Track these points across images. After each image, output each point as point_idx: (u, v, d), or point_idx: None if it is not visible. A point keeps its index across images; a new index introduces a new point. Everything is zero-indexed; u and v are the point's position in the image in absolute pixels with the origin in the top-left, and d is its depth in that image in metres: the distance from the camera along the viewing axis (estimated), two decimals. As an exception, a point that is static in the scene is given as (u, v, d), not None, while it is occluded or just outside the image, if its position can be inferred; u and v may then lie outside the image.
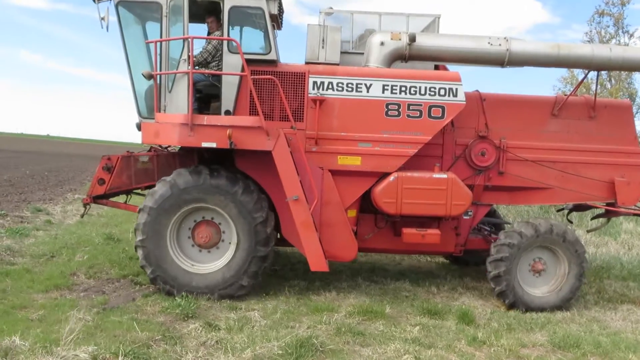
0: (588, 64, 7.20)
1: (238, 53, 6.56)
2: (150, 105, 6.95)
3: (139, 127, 7.09)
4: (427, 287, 7.83)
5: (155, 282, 6.58)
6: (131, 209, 7.90)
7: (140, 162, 7.43)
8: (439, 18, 7.59)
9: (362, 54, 7.52)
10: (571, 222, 7.97)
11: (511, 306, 6.96)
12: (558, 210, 9.61)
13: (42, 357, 4.38)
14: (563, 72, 25.60)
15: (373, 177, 6.99)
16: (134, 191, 7.89)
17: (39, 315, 5.52)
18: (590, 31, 23.15)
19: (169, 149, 7.90)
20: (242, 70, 6.45)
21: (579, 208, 8.63)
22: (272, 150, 6.31)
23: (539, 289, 7.09)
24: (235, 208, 6.49)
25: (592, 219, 9.60)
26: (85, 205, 7.62)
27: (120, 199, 8.04)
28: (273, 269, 8.22)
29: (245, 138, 6.27)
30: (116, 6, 6.65)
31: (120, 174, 7.38)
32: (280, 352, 4.88)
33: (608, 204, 7.79)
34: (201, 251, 6.76)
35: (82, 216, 8.33)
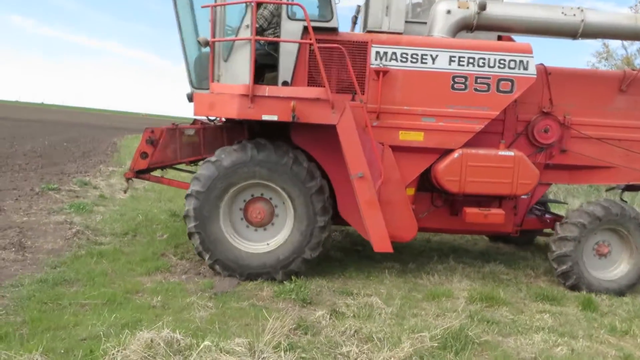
0: (668, 36, 6.79)
1: (298, 20, 6.16)
2: (202, 75, 6.55)
3: (190, 98, 6.70)
4: (523, 269, 7.51)
5: (215, 268, 6.29)
6: (174, 184, 7.59)
7: (186, 135, 7.07)
8: (503, -15, 7.11)
9: (421, 22, 7.10)
10: (625, 202, 7.64)
11: (572, 288, 6.70)
12: (608, 190, 9.27)
13: (216, 354, 3.99)
14: (597, 46, 24.83)
15: (435, 154, 6.64)
16: (174, 166, 7.55)
17: (158, 301, 5.26)
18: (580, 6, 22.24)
19: (215, 121, 7.51)
20: (304, 38, 6.04)
21: (632, 188, 8.33)
22: (337, 125, 5.94)
23: (602, 273, 6.83)
24: (287, 180, 6.16)
25: None
26: (127, 179, 7.28)
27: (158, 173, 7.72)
28: (356, 249, 8.00)
29: (308, 111, 5.89)
30: None
31: (165, 147, 7.03)
32: (436, 344, 4.56)
33: None
34: (257, 230, 6.45)
35: (125, 191, 8.00)
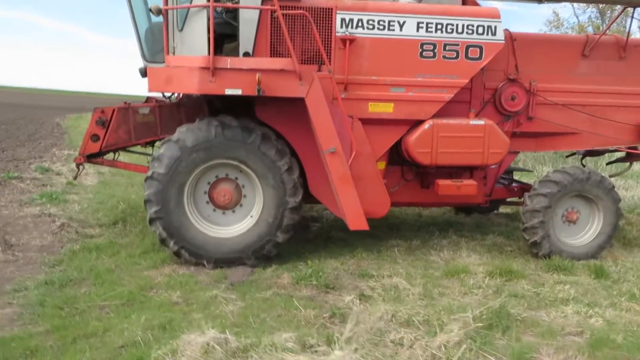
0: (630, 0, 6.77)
1: None
2: (155, 47, 6.05)
3: (143, 72, 6.18)
4: (521, 240, 7.28)
5: (180, 255, 5.88)
6: (130, 168, 7.10)
7: (140, 114, 6.56)
8: (466, -52, 6.88)
9: None
10: (586, 167, 7.73)
11: (545, 256, 6.70)
12: (568, 156, 9.39)
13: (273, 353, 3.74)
14: (549, 15, 25.23)
15: (405, 126, 6.42)
16: (128, 148, 7.02)
17: (178, 297, 4.94)
18: None
19: (171, 98, 7.01)
20: (265, 4, 5.64)
21: (592, 153, 8.44)
22: (306, 97, 5.60)
23: (573, 239, 6.87)
24: (256, 159, 5.81)
25: (609, 163, 9.47)
26: (78, 165, 6.73)
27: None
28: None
29: (274, 83, 5.51)
30: None
31: (117, 128, 6.51)
32: (480, 324, 4.39)
33: (630, 148, 7.60)
34: (225, 213, 6.09)
35: (74, 178, 7.40)
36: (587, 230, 6.88)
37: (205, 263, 5.86)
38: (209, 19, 5.43)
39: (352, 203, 5.82)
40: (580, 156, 8.66)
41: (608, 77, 7.20)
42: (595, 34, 7.37)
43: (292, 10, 5.67)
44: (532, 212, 6.60)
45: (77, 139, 16.68)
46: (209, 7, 5.38)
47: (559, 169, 6.94)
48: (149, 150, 7.31)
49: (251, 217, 6.05)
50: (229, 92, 5.47)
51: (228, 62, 5.46)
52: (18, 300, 4.70)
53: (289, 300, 4.91)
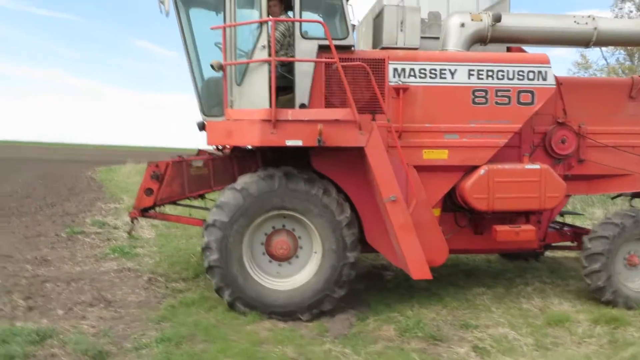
0: (677, 41, 6.81)
1: (312, 38, 5.86)
2: (211, 101, 6.14)
3: (201, 126, 6.26)
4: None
5: (234, 306, 5.77)
6: (182, 221, 7.08)
7: (194, 167, 6.59)
8: (509, -1, 7.05)
9: (429, 38, 6.90)
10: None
11: (608, 302, 6.47)
12: (614, 197, 9.24)
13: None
14: (576, 57, 25.31)
15: (460, 172, 6.38)
16: (177, 202, 7.02)
17: (294, 353, 4.90)
18: (616, 16, 22.98)
19: (224, 150, 7.06)
20: (319, 57, 5.76)
21: (640, 194, 8.30)
22: (365, 147, 5.60)
23: (635, 283, 6.66)
24: (317, 212, 5.76)
25: None
26: (132, 219, 6.71)
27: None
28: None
29: (334, 133, 5.53)
30: None
31: (171, 182, 6.53)
32: None
33: None
34: (281, 265, 6.00)
35: (129, 233, 7.39)
36: None
37: (226, 295, 5.73)
38: (269, 73, 5.51)
39: (414, 252, 5.71)
40: (629, 197, 8.52)
41: None
42: (640, 76, 7.38)
43: (350, 62, 5.76)
44: (593, 256, 6.43)
45: (116, 192, 17.03)
46: (270, 61, 5.47)
47: (619, 212, 6.80)
48: (199, 202, 7.31)
49: (308, 270, 5.95)
50: (289, 143, 5.50)
51: (289, 114, 5.52)
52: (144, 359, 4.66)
53: (403, 353, 4.88)
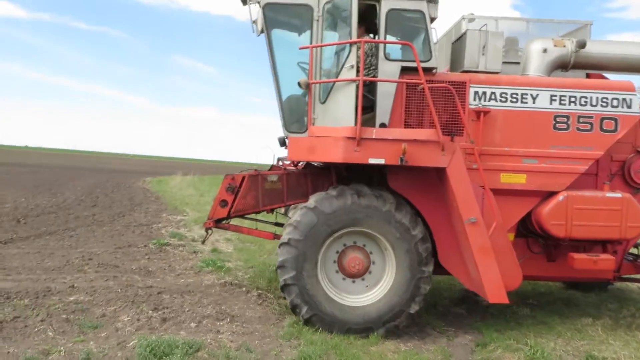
0: None
1: (394, 60, 5.97)
2: (292, 118, 6.29)
3: (282, 142, 6.41)
4: None
5: (311, 323, 5.84)
6: (254, 234, 7.20)
7: (269, 181, 6.72)
8: (590, 25, 6.98)
9: (508, 62, 6.90)
10: None
11: None
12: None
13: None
14: None
15: (537, 197, 6.30)
16: (246, 215, 7.16)
17: None
18: None
19: (298, 166, 7.19)
20: (401, 78, 5.85)
21: None
22: (447, 167, 5.62)
23: None
24: (391, 228, 5.80)
25: None
26: (207, 229, 6.89)
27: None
28: (530, 303, 7.76)
29: (417, 153, 5.57)
30: (263, 9, 6.01)
31: (246, 195, 6.68)
32: None
33: None
34: (354, 282, 6.04)
35: (203, 242, 7.59)
36: None
37: (335, 331, 5.77)
38: (356, 92, 5.62)
39: (492, 275, 5.65)
40: None
41: None
42: None
43: (433, 84, 5.82)
44: None
45: (175, 203, 17.49)
46: (357, 81, 5.58)
47: None
48: (267, 217, 7.44)
49: (383, 285, 5.97)
50: (372, 161, 5.56)
51: (374, 132, 5.59)
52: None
53: None
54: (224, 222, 6.94)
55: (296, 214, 5.93)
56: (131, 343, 5.06)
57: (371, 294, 5.97)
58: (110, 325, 5.61)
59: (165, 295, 6.76)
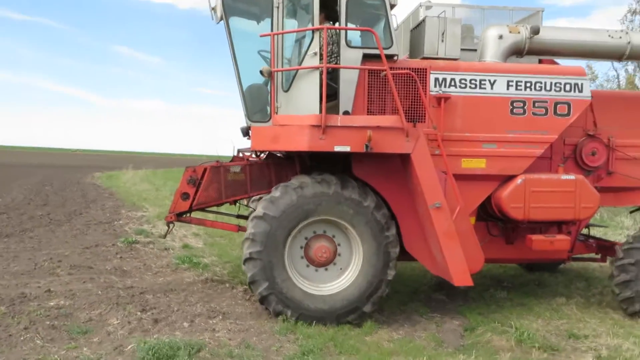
0: None
1: (356, 47, 5.96)
2: (254, 108, 6.18)
3: (245, 132, 6.29)
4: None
5: (266, 302, 5.79)
6: (218, 226, 7.07)
7: (232, 172, 6.61)
8: (542, 12, 7.19)
9: (465, 50, 7.01)
10: None
11: (634, 314, 6.57)
12: (632, 212, 9.38)
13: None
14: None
15: (496, 181, 6.46)
16: (207, 208, 7.02)
17: None
18: (625, 29, 23.30)
19: (261, 156, 7.08)
20: (361, 65, 5.86)
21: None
22: (412, 153, 5.67)
23: None
24: (365, 224, 5.81)
25: None
26: (168, 223, 6.71)
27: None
28: (505, 286, 7.96)
29: (382, 140, 5.59)
30: None
31: (208, 187, 6.55)
32: None
33: None
34: (327, 269, 6.03)
35: (165, 236, 7.37)
36: None
37: (288, 314, 5.75)
38: (319, 80, 5.57)
39: (457, 259, 5.76)
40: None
41: None
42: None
43: (399, 70, 5.84)
44: (626, 267, 6.51)
45: (132, 199, 16.92)
46: (321, 68, 5.53)
47: None
48: (229, 209, 7.32)
49: (344, 280, 5.98)
50: (338, 149, 5.55)
51: (339, 120, 5.57)
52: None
53: None
54: (185, 215, 6.78)
55: (275, 191, 5.81)
56: (129, 347, 4.87)
57: (347, 275, 5.98)
58: (100, 329, 5.38)
59: (148, 296, 6.56)
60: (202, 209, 6.84)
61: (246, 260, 5.75)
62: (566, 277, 8.81)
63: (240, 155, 7.47)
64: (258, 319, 5.96)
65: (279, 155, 6.98)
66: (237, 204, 7.23)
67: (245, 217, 7.64)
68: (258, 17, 6.32)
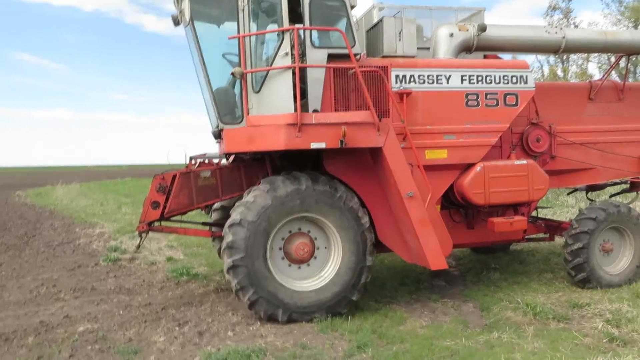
0: (629, 48, 7.74)
1: (321, 47, 6.15)
2: (225, 110, 6.20)
3: (217, 134, 6.27)
4: None
5: (255, 306, 5.84)
6: (190, 233, 6.99)
7: (202, 177, 6.57)
8: (483, 11, 7.71)
9: (420, 48, 7.38)
10: (592, 201, 8.48)
11: (582, 281, 7.16)
12: (569, 193, 10.18)
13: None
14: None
15: (457, 170, 6.85)
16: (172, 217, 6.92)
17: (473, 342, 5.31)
18: (547, 24, 24.92)
19: (229, 160, 7.08)
20: (327, 62, 6.06)
21: (594, 188, 9.22)
22: (383, 146, 5.92)
23: (610, 267, 7.38)
24: (340, 215, 5.98)
25: (613, 195, 10.30)
26: (140, 234, 6.55)
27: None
28: (494, 268, 8.50)
29: (355, 135, 5.81)
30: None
31: (178, 194, 6.48)
32: None
33: (634, 178, 8.42)
34: (300, 267, 6.13)
35: (137, 247, 7.14)
36: (622, 259, 7.44)
37: (279, 315, 5.82)
38: (292, 79, 5.70)
39: (432, 244, 6.06)
40: (584, 191, 9.43)
41: (611, 116, 8.08)
42: (597, 80, 8.29)
43: (366, 68, 6.08)
44: (577, 250, 7.05)
45: (79, 215, 16.15)
46: (293, 68, 5.67)
47: (593, 206, 7.44)
48: (199, 216, 7.25)
49: (327, 272, 6.12)
50: (314, 145, 5.69)
51: (313, 117, 5.72)
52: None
53: (569, 333, 5.45)
54: (156, 224, 6.66)
55: (248, 196, 5.85)
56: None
57: (329, 267, 6.14)
58: (148, 347, 5.28)
59: (172, 310, 6.47)
60: (167, 219, 6.72)
61: (230, 269, 5.76)
62: (541, 255, 9.49)
63: (193, 162, 7.34)
64: (294, 321, 5.97)
65: (246, 157, 7.02)
66: (208, 208, 7.17)
67: (210, 224, 7.59)
68: (223, 20, 6.36)
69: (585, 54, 15.81)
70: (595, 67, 22.77)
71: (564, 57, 21.77)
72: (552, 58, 23.13)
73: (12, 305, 6.83)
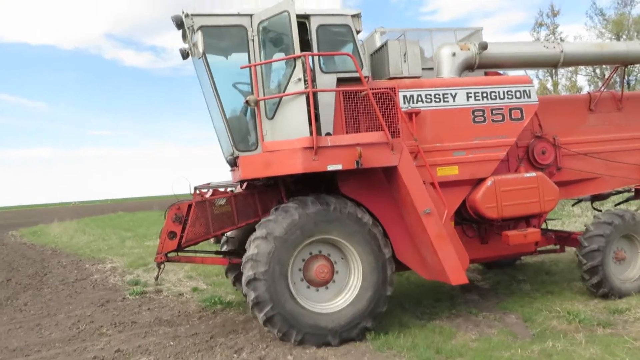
0: (624, 59, 7.96)
1: (330, 72, 6.30)
2: (238, 137, 6.28)
3: (232, 162, 6.33)
4: None
5: (270, 323, 5.81)
6: (208, 262, 6.98)
7: (217, 205, 6.61)
8: (481, 30, 7.93)
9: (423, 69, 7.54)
10: (599, 210, 8.57)
11: (604, 296, 7.18)
12: (574, 204, 10.29)
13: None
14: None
15: (468, 185, 6.95)
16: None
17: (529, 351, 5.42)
18: (535, 40, 25.59)
19: (243, 187, 7.12)
20: (336, 86, 6.21)
21: (599, 197, 9.33)
22: (398, 165, 6.01)
23: (624, 276, 7.44)
24: (364, 241, 6.04)
25: (618, 204, 10.43)
26: (159, 265, 6.55)
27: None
28: (523, 280, 8.60)
29: (370, 155, 5.90)
30: (198, 31, 5.99)
31: (195, 223, 6.51)
32: None
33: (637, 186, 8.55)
34: (318, 290, 6.15)
35: (156, 279, 7.11)
36: (633, 267, 7.50)
37: (293, 335, 5.79)
38: (307, 104, 5.81)
39: (451, 259, 6.11)
40: (589, 202, 9.54)
41: (612, 126, 8.25)
42: (595, 92, 8.49)
43: (381, 89, 6.22)
44: (591, 253, 7.09)
45: (84, 253, 15.96)
46: (307, 93, 5.78)
47: (609, 212, 7.53)
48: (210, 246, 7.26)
49: (345, 297, 6.13)
50: (330, 167, 5.77)
51: (329, 140, 5.81)
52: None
53: (620, 338, 5.59)
54: (174, 254, 6.67)
55: (275, 213, 5.88)
56: None
57: (347, 293, 6.14)
58: None
59: (220, 338, 6.45)
60: (183, 249, 6.72)
61: (250, 282, 5.74)
62: (564, 266, 9.57)
63: (197, 192, 7.34)
64: (348, 341, 5.99)
65: (258, 183, 7.08)
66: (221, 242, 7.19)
67: (224, 253, 7.60)
68: (228, 51, 6.50)
69: (574, 67, 16.22)
70: (584, 80, 23.30)
71: (553, 70, 22.26)
72: (541, 72, 23.62)
73: (58, 342, 6.80)
